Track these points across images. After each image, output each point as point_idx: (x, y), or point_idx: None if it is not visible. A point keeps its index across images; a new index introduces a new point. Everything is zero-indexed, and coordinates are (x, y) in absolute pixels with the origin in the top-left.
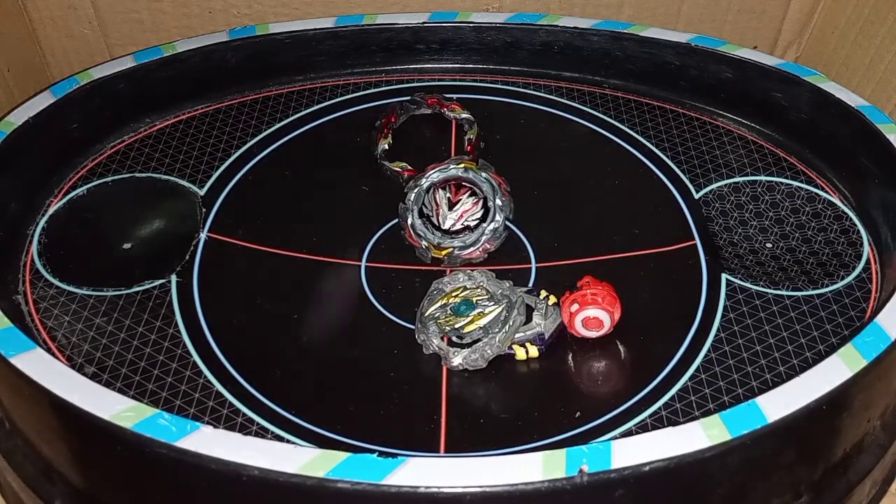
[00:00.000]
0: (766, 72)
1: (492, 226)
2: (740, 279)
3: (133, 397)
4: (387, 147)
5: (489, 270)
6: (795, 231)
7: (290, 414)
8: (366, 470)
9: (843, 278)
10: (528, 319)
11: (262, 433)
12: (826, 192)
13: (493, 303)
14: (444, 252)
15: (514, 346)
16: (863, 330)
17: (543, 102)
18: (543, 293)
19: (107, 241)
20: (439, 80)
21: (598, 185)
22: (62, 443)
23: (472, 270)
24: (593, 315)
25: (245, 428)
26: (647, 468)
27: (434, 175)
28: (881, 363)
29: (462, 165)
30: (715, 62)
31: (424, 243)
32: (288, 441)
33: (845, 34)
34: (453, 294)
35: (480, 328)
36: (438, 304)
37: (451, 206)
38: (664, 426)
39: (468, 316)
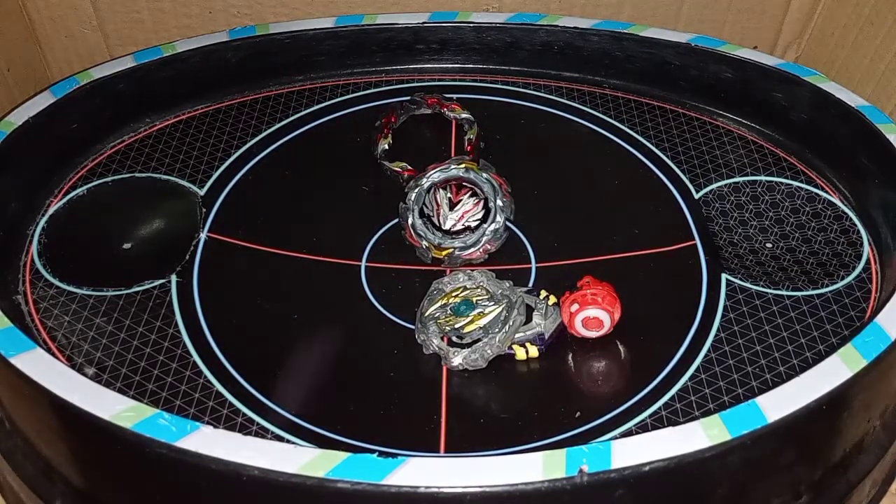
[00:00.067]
0: (766, 72)
1: (492, 227)
2: (740, 279)
3: (133, 397)
4: (387, 147)
5: (489, 270)
6: (795, 231)
7: (290, 414)
8: (366, 470)
9: (843, 278)
10: (528, 319)
11: (262, 433)
12: (826, 192)
13: (493, 303)
14: (444, 252)
15: (514, 346)
16: (863, 330)
17: (543, 102)
18: (543, 293)
19: (107, 241)
20: (439, 80)
21: (598, 185)
22: (62, 443)
23: (472, 270)
24: (593, 315)
25: (245, 428)
26: (647, 468)
27: (435, 175)
28: (881, 363)
29: (463, 166)
30: (715, 62)
31: (425, 243)
32: (288, 441)
33: (845, 34)
34: (453, 294)
35: (480, 328)
36: (438, 304)
37: (452, 206)
38: (664, 426)
39: (468, 316)
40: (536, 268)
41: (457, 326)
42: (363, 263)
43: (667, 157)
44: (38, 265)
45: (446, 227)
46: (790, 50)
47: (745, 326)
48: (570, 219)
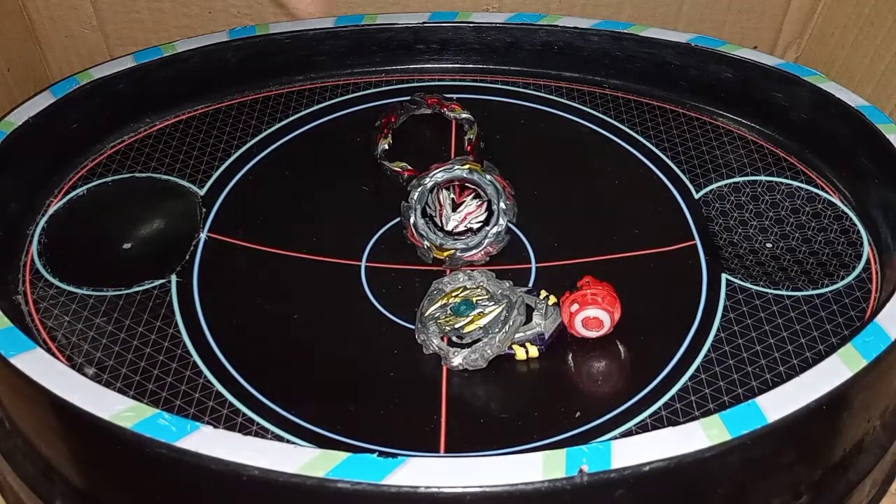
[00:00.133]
0: (766, 72)
1: (495, 229)
2: (740, 279)
3: (133, 397)
4: (387, 147)
5: (489, 270)
6: (795, 231)
7: (290, 414)
8: (366, 470)
9: (843, 278)
10: (528, 319)
11: (262, 433)
12: (826, 192)
13: (493, 303)
14: (445, 253)
15: (514, 346)
16: (863, 330)
17: (543, 102)
18: (543, 293)
19: (107, 241)
20: (439, 80)
21: (598, 185)
22: (62, 443)
23: (473, 270)
24: (593, 315)
25: (245, 428)
26: (647, 468)
27: (438, 175)
28: (881, 363)
29: (467, 167)
30: (715, 62)
31: (426, 243)
32: (288, 441)
33: (845, 34)
34: (453, 294)
35: (480, 328)
36: (438, 304)
37: (455, 207)
38: (664, 426)
39: (468, 316)
40: (536, 268)
41: (457, 326)
42: (363, 263)
43: (667, 157)
44: (38, 265)
45: (448, 227)
46: (790, 50)
47: (745, 326)
48: (570, 219)
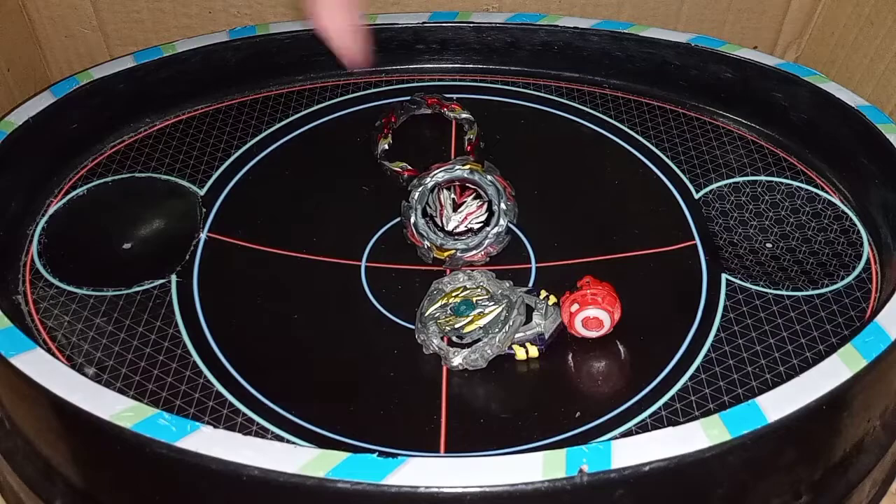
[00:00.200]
0: (766, 72)
1: (495, 230)
2: (740, 279)
3: (133, 397)
4: (387, 147)
5: (489, 270)
6: (795, 231)
7: (290, 414)
8: (366, 470)
9: (843, 278)
10: (528, 319)
11: (262, 433)
12: (826, 192)
13: (493, 303)
14: (446, 253)
15: (514, 346)
16: (863, 330)
17: (543, 102)
18: (543, 293)
19: (107, 241)
20: (439, 80)
21: (598, 185)
22: (62, 443)
23: (473, 270)
24: (593, 315)
25: (245, 428)
26: (647, 468)
27: (439, 175)
28: (881, 363)
29: (468, 167)
30: (715, 62)
31: (427, 243)
32: (288, 441)
33: (845, 34)
34: (453, 294)
35: (480, 328)
36: (438, 304)
37: (456, 207)
38: (664, 426)
39: (468, 316)
40: (536, 268)
41: (457, 326)
42: (363, 263)
43: (667, 157)
44: (38, 265)
45: (449, 228)
46: (790, 50)
47: (745, 326)
48: (570, 219)
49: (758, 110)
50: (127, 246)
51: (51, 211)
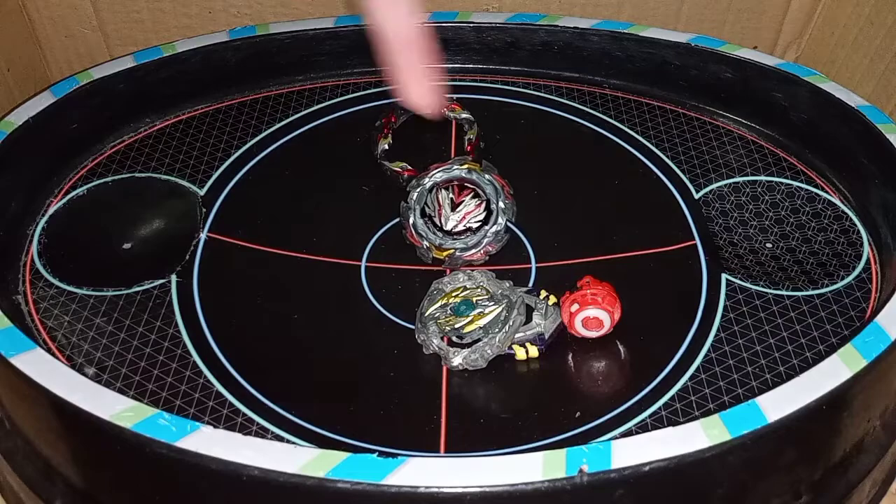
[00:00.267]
0: (766, 72)
1: (494, 228)
2: (740, 279)
3: (133, 397)
4: (387, 147)
5: (489, 270)
6: (795, 231)
7: (290, 414)
8: (366, 470)
9: (843, 278)
10: (528, 319)
11: (262, 433)
12: (826, 192)
13: (493, 303)
14: (445, 253)
15: (514, 346)
16: (863, 330)
17: (543, 102)
18: (543, 293)
19: (107, 241)
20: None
21: (598, 185)
22: (62, 443)
23: (472, 270)
24: (593, 315)
25: (245, 428)
26: (647, 468)
27: (437, 175)
28: (881, 363)
29: (466, 166)
30: (715, 62)
31: (426, 243)
32: (288, 441)
33: (845, 34)
34: (453, 294)
35: (480, 328)
36: (438, 304)
37: (454, 207)
38: (664, 426)
39: (468, 316)
40: (536, 268)
41: (457, 326)
42: (363, 263)
43: (667, 157)
44: (38, 265)
45: (448, 227)
46: (790, 50)
47: (745, 326)
48: (570, 219)
49: (758, 110)
50: (127, 246)
51: (51, 211)
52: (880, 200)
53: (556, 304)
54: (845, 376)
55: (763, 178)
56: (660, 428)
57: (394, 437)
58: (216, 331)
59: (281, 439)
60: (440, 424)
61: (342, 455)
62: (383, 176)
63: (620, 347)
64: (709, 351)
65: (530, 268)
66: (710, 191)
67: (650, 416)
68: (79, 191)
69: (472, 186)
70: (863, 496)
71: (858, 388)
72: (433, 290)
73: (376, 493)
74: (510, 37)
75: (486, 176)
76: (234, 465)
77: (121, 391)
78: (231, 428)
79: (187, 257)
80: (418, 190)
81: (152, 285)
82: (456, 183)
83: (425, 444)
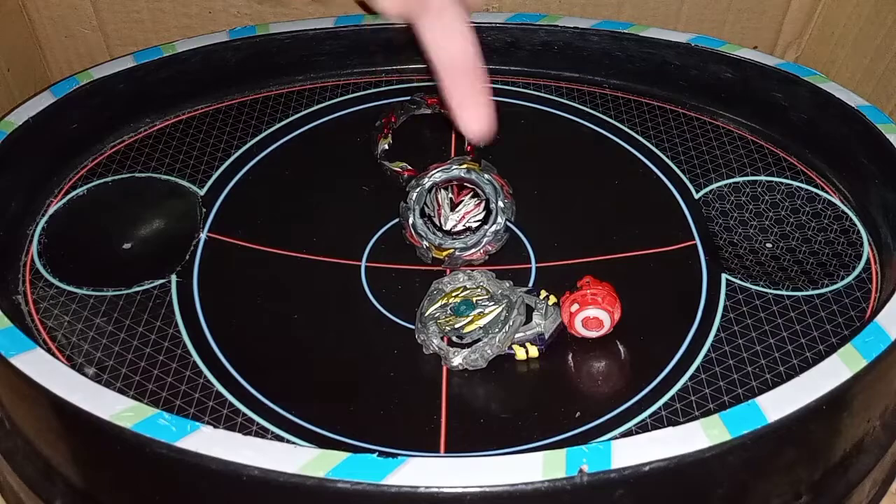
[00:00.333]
0: (766, 72)
1: (493, 228)
2: (740, 279)
3: (133, 397)
4: (387, 147)
5: (489, 270)
6: (795, 231)
7: (290, 414)
8: (366, 470)
9: (843, 278)
10: (528, 319)
11: (262, 433)
12: (826, 192)
13: (493, 303)
14: (444, 253)
15: (514, 346)
16: (863, 330)
17: (543, 102)
18: (543, 293)
19: (107, 241)
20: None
21: (598, 185)
22: (62, 443)
23: (472, 270)
24: (593, 315)
25: (245, 428)
26: (647, 468)
27: (436, 175)
28: (881, 363)
29: (465, 166)
30: (715, 62)
31: (425, 243)
32: (288, 441)
33: (845, 34)
34: (453, 294)
35: (480, 328)
36: (438, 304)
37: (453, 206)
38: (664, 426)
39: (468, 316)
40: (536, 268)
41: (457, 326)
42: (363, 263)
43: (667, 157)
44: (38, 265)
45: (447, 227)
46: (790, 50)
47: (745, 326)
48: (570, 219)
49: (758, 110)
50: (127, 246)
51: (51, 211)
52: (880, 200)
53: (556, 304)
54: (845, 376)
55: (763, 178)
56: (660, 428)
57: (394, 437)
58: (216, 331)
59: (281, 439)
60: (440, 424)
61: (342, 455)
62: (383, 176)
63: (620, 347)
64: (709, 351)
65: (530, 268)
66: (710, 191)
67: (650, 416)
68: (79, 191)
69: (471, 186)
70: (863, 496)
71: (858, 388)
72: (433, 290)
73: (376, 493)
74: (510, 37)
75: (486, 175)
76: (234, 465)
77: (121, 391)
78: (231, 428)
79: (187, 257)
80: (418, 190)
81: (152, 285)
82: (455, 183)
83: (425, 444)
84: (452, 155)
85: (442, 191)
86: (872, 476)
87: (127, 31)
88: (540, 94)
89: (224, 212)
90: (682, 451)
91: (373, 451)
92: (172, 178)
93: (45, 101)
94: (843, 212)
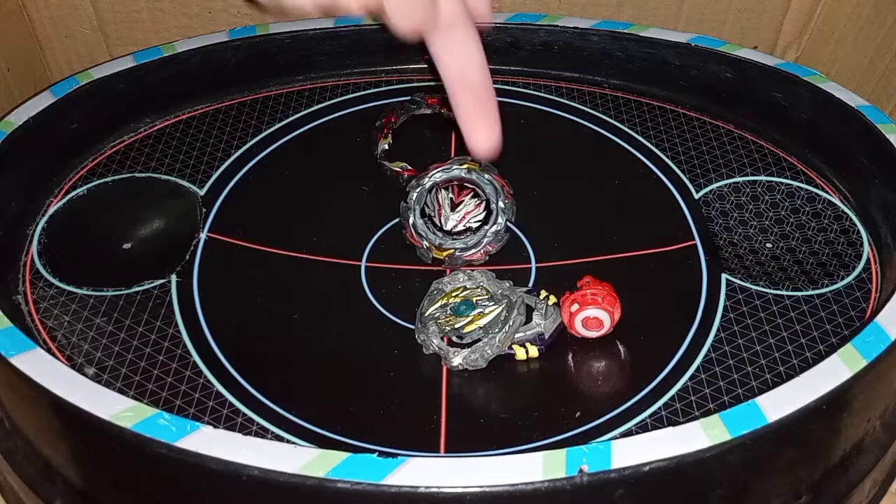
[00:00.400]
0: (766, 72)
1: (493, 228)
2: (740, 279)
3: (133, 397)
4: (387, 147)
5: (489, 270)
6: (795, 231)
7: (290, 414)
8: (366, 470)
9: (843, 278)
10: (528, 319)
11: (262, 433)
12: (826, 192)
13: (493, 303)
14: (445, 253)
15: (514, 346)
16: (863, 330)
17: (543, 102)
18: (543, 293)
19: (107, 241)
20: (439, 80)
21: (598, 185)
22: (62, 443)
23: (473, 270)
24: (593, 315)
25: (245, 428)
26: (647, 468)
27: (437, 175)
28: (881, 363)
29: (465, 166)
30: (715, 62)
31: (425, 243)
32: (288, 441)
33: (845, 34)
34: (453, 294)
35: (480, 328)
36: (438, 304)
37: (454, 206)
38: (664, 426)
39: (468, 316)
40: (536, 268)
41: (457, 326)
42: (363, 263)
43: (667, 157)
44: (38, 265)
45: (447, 227)
46: (790, 50)
47: (745, 326)
48: (570, 219)
49: (758, 110)
50: (127, 246)
51: (51, 211)
52: (880, 200)
53: (556, 304)
54: (845, 376)
55: (763, 178)
56: (660, 428)
57: (394, 437)
58: (216, 331)
59: (281, 439)
60: (440, 424)
61: (342, 455)
62: (383, 176)
63: (620, 347)
64: (709, 351)
65: (530, 268)
66: (710, 191)
67: (650, 416)
68: (79, 191)
69: (471, 186)
70: (863, 496)
71: (858, 388)
72: (433, 290)
73: (376, 493)
74: (510, 37)
75: (486, 175)
76: (234, 465)
77: (121, 391)
78: (231, 428)
79: (187, 257)
80: (418, 190)
81: (152, 285)
82: (455, 183)
83: (425, 444)
84: (452, 155)
85: (442, 191)
86: (872, 476)
87: (127, 31)
88: (540, 94)
89: (224, 212)
90: (682, 451)
91: (373, 451)
92: (172, 178)
93: (45, 101)
94: (843, 212)
